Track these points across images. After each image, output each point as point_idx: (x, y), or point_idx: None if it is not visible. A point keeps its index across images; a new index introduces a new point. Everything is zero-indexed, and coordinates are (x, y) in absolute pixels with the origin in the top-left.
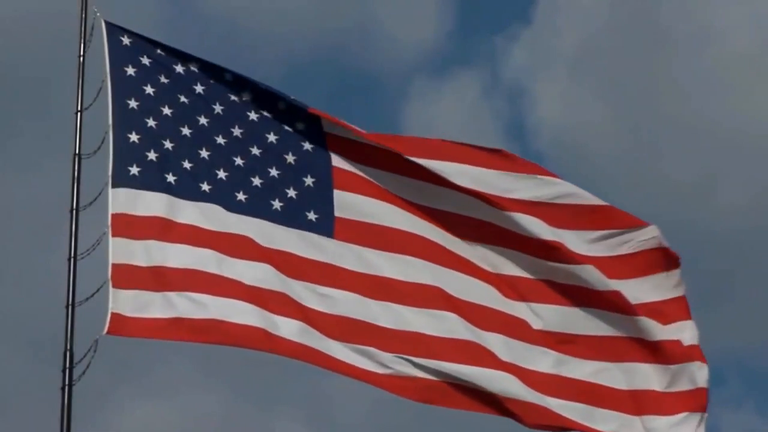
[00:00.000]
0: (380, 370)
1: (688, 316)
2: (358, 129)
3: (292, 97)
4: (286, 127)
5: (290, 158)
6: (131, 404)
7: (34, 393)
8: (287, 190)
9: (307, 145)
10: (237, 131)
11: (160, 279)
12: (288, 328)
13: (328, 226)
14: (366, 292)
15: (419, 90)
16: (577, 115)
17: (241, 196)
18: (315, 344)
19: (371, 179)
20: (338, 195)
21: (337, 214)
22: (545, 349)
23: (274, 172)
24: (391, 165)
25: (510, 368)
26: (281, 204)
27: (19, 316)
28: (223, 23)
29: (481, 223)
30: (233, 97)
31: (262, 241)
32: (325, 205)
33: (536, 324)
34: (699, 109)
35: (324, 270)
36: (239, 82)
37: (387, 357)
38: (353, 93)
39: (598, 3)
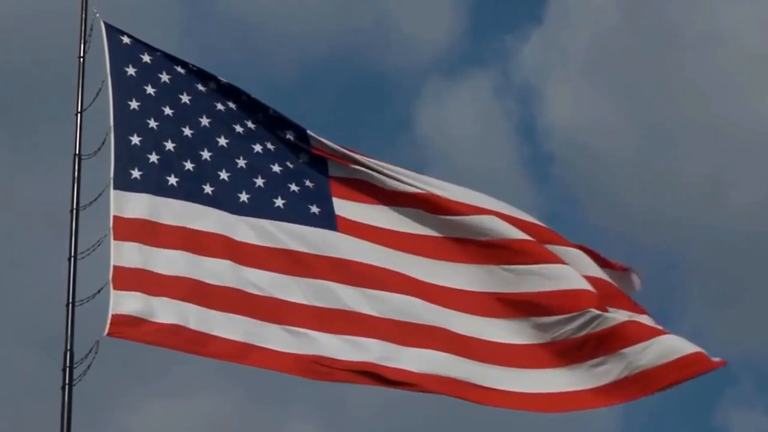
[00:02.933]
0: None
1: None
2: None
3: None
4: (280, 134)
5: (289, 164)
6: (146, 404)
7: (39, 392)
8: (289, 185)
9: (302, 157)
10: (239, 128)
11: (160, 283)
12: (290, 340)
13: (331, 219)
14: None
15: (432, 90)
16: (589, 115)
17: (243, 197)
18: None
19: (366, 188)
20: (337, 202)
21: (337, 212)
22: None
23: (276, 168)
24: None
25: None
26: (284, 201)
27: (26, 315)
28: (238, 22)
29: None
30: (230, 104)
31: (267, 243)
32: (326, 203)
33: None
34: (710, 109)
35: (334, 265)
36: (233, 92)
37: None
38: (366, 92)
39: (609, 3)
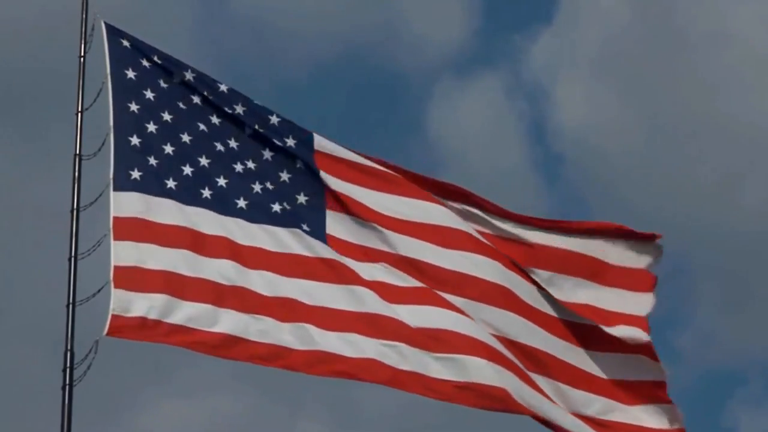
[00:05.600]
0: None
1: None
2: (353, 151)
3: (286, 118)
4: (278, 143)
5: (284, 176)
6: (158, 404)
7: (40, 392)
8: (283, 202)
9: (300, 164)
10: (233, 143)
11: (161, 283)
12: (302, 337)
13: (320, 237)
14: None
15: (443, 90)
16: (598, 116)
17: (241, 203)
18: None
19: (359, 199)
20: (330, 215)
21: (328, 231)
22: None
23: (269, 185)
24: (380, 186)
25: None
26: (279, 208)
27: (27, 315)
28: (251, 22)
29: (470, 236)
30: (227, 110)
31: (267, 246)
32: (318, 221)
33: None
34: (721, 109)
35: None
36: (233, 96)
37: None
38: (378, 93)
39: (618, 3)
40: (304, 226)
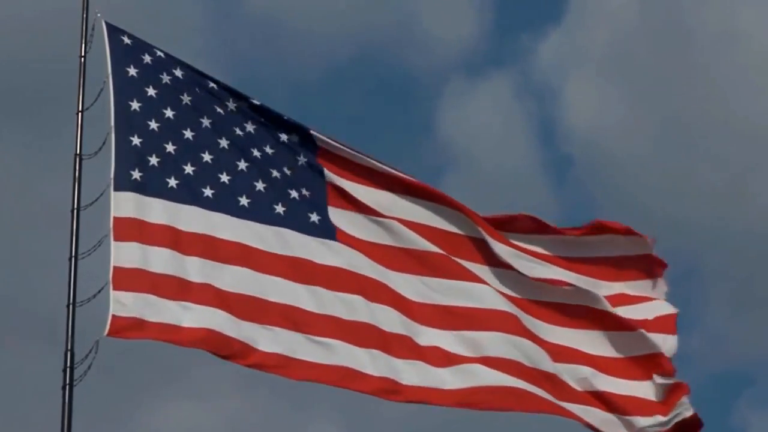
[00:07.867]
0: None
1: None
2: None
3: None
4: (282, 138)
5: (285, 170)
6: (169, 405)
7: (42, 393)
8: (289, 191)
9: (302, 159)
10: (239, 131)
11: (161, 284)
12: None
13: (330, 228)
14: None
15: (454, 90)
16: (607, 116)
17: (243, 201)
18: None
19: (362, 197)
20: (332, 211)
21: (334, 222)
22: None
23: (276, 173)
24: (382, 183)
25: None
26: (284, 209)
27: (28, 315)
28: (263, 22)
29: (473, 239)
30: (230, 106)
31: (267, 248)
32: (324, 211)
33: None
34: (730, 109)
35: (334, 273)
36: (233, 94)
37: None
38: (389, 91)
39: (628, 3)
40: (313, 216)
